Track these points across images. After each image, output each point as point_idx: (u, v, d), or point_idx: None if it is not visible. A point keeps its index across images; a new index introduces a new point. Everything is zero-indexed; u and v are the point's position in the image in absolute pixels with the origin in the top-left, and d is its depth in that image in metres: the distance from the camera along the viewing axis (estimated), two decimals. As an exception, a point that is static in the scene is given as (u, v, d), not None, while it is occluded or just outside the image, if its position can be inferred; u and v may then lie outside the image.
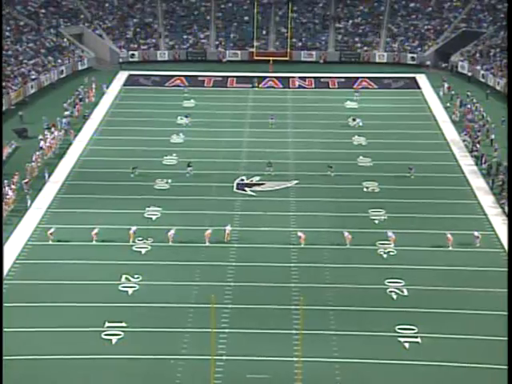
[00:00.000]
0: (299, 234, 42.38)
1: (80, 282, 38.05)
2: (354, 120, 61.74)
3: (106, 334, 33.94)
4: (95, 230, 42.18)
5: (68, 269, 39.26)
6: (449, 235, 42.08)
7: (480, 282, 38.31)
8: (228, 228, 42.79)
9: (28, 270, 39.25)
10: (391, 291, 37.63)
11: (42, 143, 54.32)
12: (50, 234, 42.09)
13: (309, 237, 42.73)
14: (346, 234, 42.30)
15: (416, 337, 34.03)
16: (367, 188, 49.68)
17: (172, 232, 42.25)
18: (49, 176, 50.41)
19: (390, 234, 42.30)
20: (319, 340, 33.62)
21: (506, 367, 30.54)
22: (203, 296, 36.34)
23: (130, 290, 37.51)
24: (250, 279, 38.58)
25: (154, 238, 42.47)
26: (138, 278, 38.47)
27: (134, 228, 42.44)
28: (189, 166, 51.50)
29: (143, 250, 41.35)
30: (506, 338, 32.54)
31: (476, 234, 42.18)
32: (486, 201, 47.43)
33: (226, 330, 34.28)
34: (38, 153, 52.84)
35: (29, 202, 46.48)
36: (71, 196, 48.04)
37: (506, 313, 34.60)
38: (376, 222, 45.05)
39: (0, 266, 38.33)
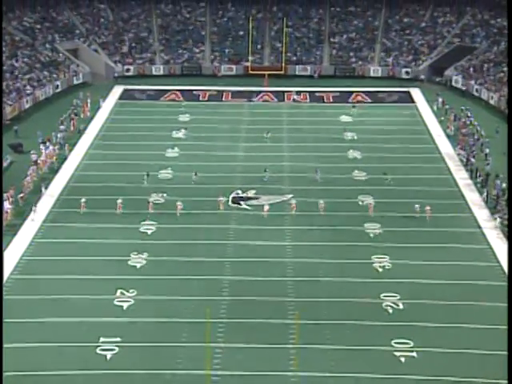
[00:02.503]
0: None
1: (74, 296, 37.86)
2: (345, 131, 62.55)
3: (100, 349, 33.72)
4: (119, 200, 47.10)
5: (62, 283, 39.06)
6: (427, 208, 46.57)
7: (475, 295, 38.23)
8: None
9: (22, 284, 39.02)
10: (387, 305, 37.51)
11: (34, 157, 54.16)
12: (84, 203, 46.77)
13: (304, 251, 42.68)
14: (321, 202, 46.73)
15: (412, 351, 33.89)
16: (362, 202, 49.65)
17: (180, 205, 46.55)
18: (45, 189, 50.35)
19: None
20: (315, 354, 33.47)
21: (503, 381, 30.41)
22: (198, 310, 36.16)
23: (125, 305, 37.32)
24: (246, 293, 38.42)
25: (150, 252, 42.34)
26: (132, 292, 38.29)
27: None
28: (195, 174, 52.31)
29: (138, 265, 41.21)
30: (502, 352, 32.36)
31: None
32: (481, 214, 47.43)
33: (222, 345, 34.10)
34: (32, 167, 52.74)
35: (32, 214, 46.44)
36: (66, 210, 47.90)
37: (501, 326, 34.52)
38: (371, 235, 45.00)
39: (0, 275, 38.31)
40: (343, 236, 44.65)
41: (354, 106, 69.35)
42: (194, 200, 49.53)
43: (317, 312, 36.77)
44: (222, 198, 48.69)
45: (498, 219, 45.78)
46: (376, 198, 49.86)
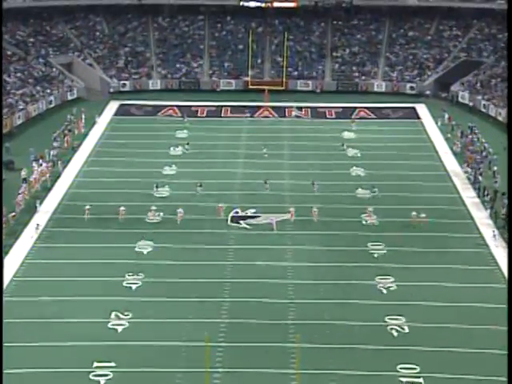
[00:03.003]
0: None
1: (67, 319, 37.73)
2: (342, 145, 63.03)
3: (94, 375, 33.58)
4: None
5: (54, 306, 38.94)
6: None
7: (484, 318, 38.10)
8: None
9: (14, 307, 38.86)
10: (392, 328, 37.41)
11: (23, 174, 54.07)
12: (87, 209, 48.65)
13: (306, 271, 42.64)
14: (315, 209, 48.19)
15: (418, 376, 33.74)
16: (366, 221, 49.66)
17: (181, 212, 48.44)
18: (40, 205, 50.68)
19: None
20: (317, 380, 33.33)
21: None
22: (196, 334, 36.09)
23: (120, 328, 37.21)
24: (245, 316, 38.33)
25: (145, 272, 42.29)
26: (127, 315, 38.20)
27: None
28: (200, 186, 53.07)
29: (134, 286, 41.14)
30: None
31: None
32: (489, 234, 47.37)
33: (220, 370, 33.97)
34: (24, 185, 52.78)
35: (35, 231, 46.94)
36: (59, 229, 47.88)
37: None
38: (375, 255, 44.97)
39: (0, 279, 38.63)
40: (346, 256, 44.62)
41: (353, 121, 69.70)
42: (191, 219, 49.56)
43: (319, 335, 36.64)
44: (222, 205, 50.10)
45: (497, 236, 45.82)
46: (380, 217, 49.87)
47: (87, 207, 49.85)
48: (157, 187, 53.86)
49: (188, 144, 63.31)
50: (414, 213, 49.41)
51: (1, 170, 53.52)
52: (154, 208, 50.25)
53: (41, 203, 51.26)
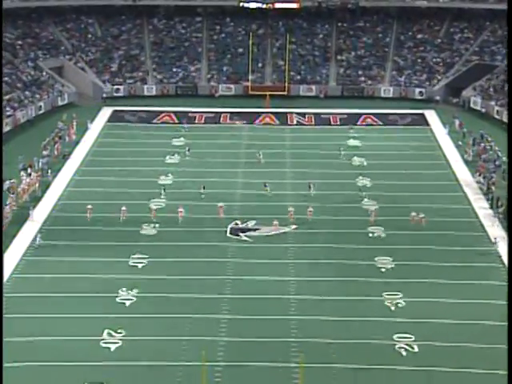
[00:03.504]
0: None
1: (58, 337, 37.64)
2: (340, 150, 63.32)
3: (85, 396, 33.57)
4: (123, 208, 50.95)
5: (44, 323, 38.87)
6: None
7: (498, 337, 37.87)
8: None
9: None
10: (400, 347, 37.35)
11: (7, 184, 53.98)
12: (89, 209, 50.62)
13: (308, 287, 42.62)
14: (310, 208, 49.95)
15: (428, 398, 33.72)
16: (373, 233, 49.68)
17: (181, 210, 50.40)
18: (33, 209, 51.34)
19: None
20: (321, 401, 33.30)
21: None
22: (193, 352, 36.01)
23: (113, 347, 37.17)
24: (245, 334, 38.28)
25: (140, 288, 42.28)
26: (121, 332, 38.15)
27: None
28: (203, 188, 54.70)
29: (128, 302, 41.11)
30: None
31: None
32: (504, 248, 47.36)
33: (219, 391, 33.97)
34: (11, 196, 52.81)
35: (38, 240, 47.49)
36: (48, 243, 47.85)
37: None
38: (383, 270, 44.96)
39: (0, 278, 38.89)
40: (352, 271, 44.61)
41: (351, 128, 69.82)
42: (189, 231, 49.60)
43: (323, 354, 36.57)
44: (221, 204, 51.91)
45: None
46: (387, 230, 49.89)
47: (89, 206, 51.26)
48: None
49: (189, 150, 63.55)
50: (413, 213, 50.65)
51: (1, 169, 53.74)
52: (154, 206, 50.08)
53: (28, 215, 51.23)
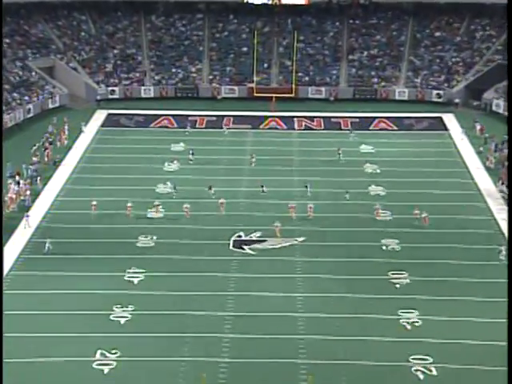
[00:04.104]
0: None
1: (47, 359, 37.62)
2: (339, 153, 63.77)
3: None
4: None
5: (33, 343, 38.85)
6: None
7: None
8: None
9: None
10: (417, 370, 37.26)
11: None
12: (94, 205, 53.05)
13: (318, 303, 42.58)
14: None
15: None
16: (386, 246, 49.64)
17: (187, 207, 52.75)
18: (28, 217, 51.65)
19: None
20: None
21: None
22: (193, 375, 35.96)
23: (106, 368, 37.13)
24: (249, 354, 38.24)
25: (136, 305, 42.25)
26: (115, 353, 38.13)
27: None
28: (210, 189, 56.21)
29: (122, 320, 41.09)
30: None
31: None
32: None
33: (220, 416, 33.95)
34: (-4, 205, 53.03)
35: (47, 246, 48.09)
36: (38, 256, 47.87)
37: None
38: (397, 286, 44.89)
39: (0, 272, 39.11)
40: (364, 286, 44.55)
41: (351, 132, 69.97)
42: (189, 243, 49.61)
43: (333, 377, 36.48)
44: (222, 200, 53.92)
45: None
46: (402, 242, 49.84)
47: (94, 203, 53.26)
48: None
49: (193, 154, 63.84)
50: (416, 210, 52.11)
51: (1, 167, 54.20)
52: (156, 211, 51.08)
53: (17, 226, 51.32)
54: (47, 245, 48.16)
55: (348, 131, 70.99)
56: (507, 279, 41.73)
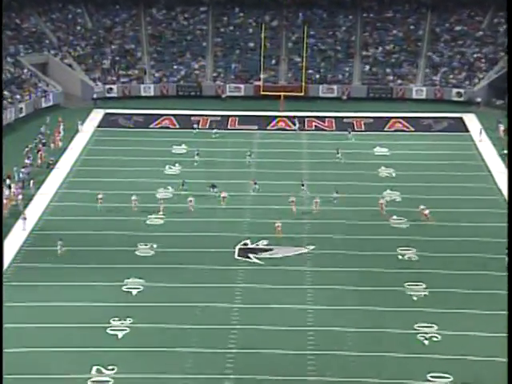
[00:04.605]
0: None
1: (40, 376, 37.62)
2: (337, 153, 64.40)
3: None
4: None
5: (25, 358, 38.88)
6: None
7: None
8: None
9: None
10: (435, 388, 37.32)
11: None
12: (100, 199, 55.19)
13: (329, 316, 42.57)
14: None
15: None
16: (403, 256, 49.62)
17: (191, 200, 55.02)
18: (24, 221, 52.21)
19: None
20: None
21: None
22: (195, 392, 36.06)
23: (103, 385, 37.26)
24: (256, 371, 38.19)
25: (134, 317, 42.29)
26: (112, 369, 38.15)
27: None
28: (213, 186, 57.66)
29: (120, 334, 41.13)
30: None
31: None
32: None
33: None
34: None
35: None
36: (30, 265, 47.93)
37: None
38: (414, 298, 44.87)
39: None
40: (378, 299, 44.50)
41: (349, 132, 70.22)
42: (191, 252, 49.69)
43: (345, 395, 36.60)
44: (225, 194, 55.93)
45: None
46: (420, 251, 49.83)
47: (99, 196, 55.28)
48: (183, 184, 58.48)
49: (198, 154, 64.28)
50: (421, 206, 54.18)
51: (1, 164, 55.01)
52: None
53: (8, 233, 51.47)
54: (59, 246, 48.72)
55: (346, 132, 71.02)
56: (507, 284, 41.62)
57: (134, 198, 55.50)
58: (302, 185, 58.06)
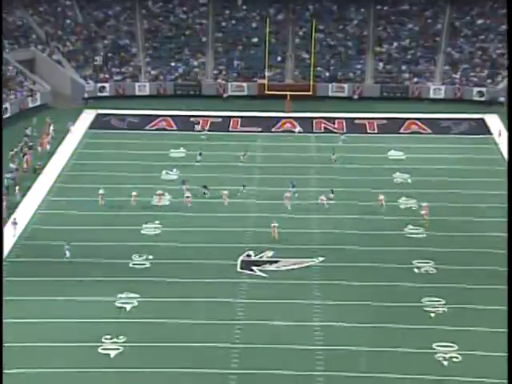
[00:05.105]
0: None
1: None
2: (332, 154, 65.28)
3: None
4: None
5: (10, 380, 38.81)
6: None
7: None
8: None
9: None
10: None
11: None
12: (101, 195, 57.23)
13: (340, 334, 42.50)
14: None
15: None
16: (419, 269, 49.56)
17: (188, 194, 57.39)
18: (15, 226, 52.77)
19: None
20: None
21: None
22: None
23: (94, 408, 37.24)
24: (259, 393, 38.30)
25: (128, 335, 42.25)
26: (104, 391, 38.23)
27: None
28: (205, 188, 58.99)
29: (113, 353, 41.09)
30: None
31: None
32: None
33: None
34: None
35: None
36: (16, 279, 47.79)
37: None
38: (432, 315, 44.79)
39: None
40: (393, 315, 44.39)
41: (341, 134, 70.34)
42: (189, 264, 49.69)
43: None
44: (226, 191, 57.83)
45: None
46: (438, 264, 49.75)
47: (101, 191, 57.07)
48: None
49: (201, 154, 64.86)
50: (424, 204, 55.85)
51: (1, 163, 55.63)
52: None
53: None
54: (67, 252, 49.19)
55: (338, 133, 71.07)
56: (507, 286, 41.77)
57: (134, 193, 57.67)
58: (293, 186, 59.27)
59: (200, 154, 64.86)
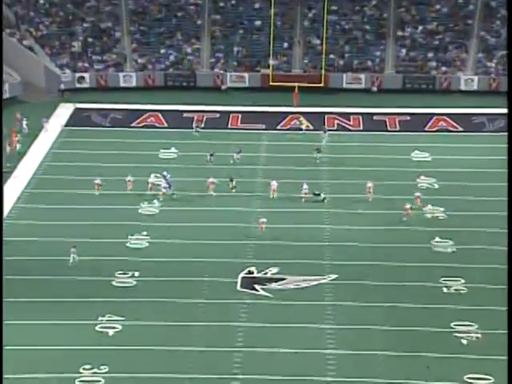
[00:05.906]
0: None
1: None
2: (318, 152, 66.03)
3: None
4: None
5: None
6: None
7: None
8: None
9: None
10: None
11: None
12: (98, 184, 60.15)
13: (354, 364, 42.47)
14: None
15: None
16: (448, 288, 49.56)
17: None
18: None
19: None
20: None
21: None
22: None
23: None
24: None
25: (110, 365, 42.21)
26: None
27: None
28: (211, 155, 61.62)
29: (93, 385, 41.24)
30: None
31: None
32: None
33: None
34: None
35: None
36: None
37: None
38: (464, 342, 44.73)
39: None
40: (417, 341, 44.38)
41: (325, 131, 70.44)
42: (181, 281, 49.73)
43: None
44: (213, 179, 60.76)
45: None
46: (469, 282, 49.74)
47: (97, 181, 60.38)
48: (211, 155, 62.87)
49: (212, 155, 65.55)
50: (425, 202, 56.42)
51: (1, 163, 57.25)
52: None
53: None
54: (72, 255, 50.07)
55: (322, 131, 71.08)
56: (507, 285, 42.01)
57: (129, 179, 60.94)
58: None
59: (212, 155, 65.33)
